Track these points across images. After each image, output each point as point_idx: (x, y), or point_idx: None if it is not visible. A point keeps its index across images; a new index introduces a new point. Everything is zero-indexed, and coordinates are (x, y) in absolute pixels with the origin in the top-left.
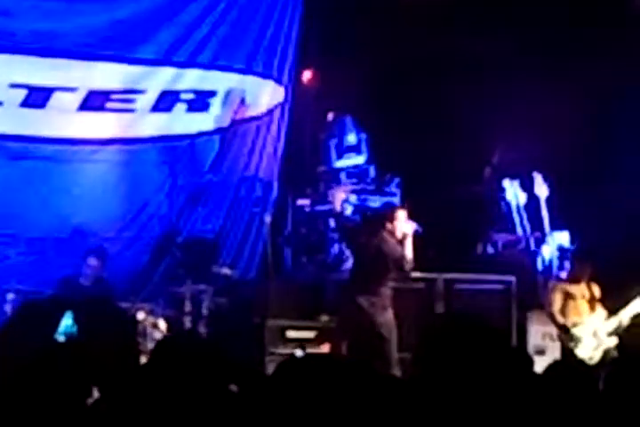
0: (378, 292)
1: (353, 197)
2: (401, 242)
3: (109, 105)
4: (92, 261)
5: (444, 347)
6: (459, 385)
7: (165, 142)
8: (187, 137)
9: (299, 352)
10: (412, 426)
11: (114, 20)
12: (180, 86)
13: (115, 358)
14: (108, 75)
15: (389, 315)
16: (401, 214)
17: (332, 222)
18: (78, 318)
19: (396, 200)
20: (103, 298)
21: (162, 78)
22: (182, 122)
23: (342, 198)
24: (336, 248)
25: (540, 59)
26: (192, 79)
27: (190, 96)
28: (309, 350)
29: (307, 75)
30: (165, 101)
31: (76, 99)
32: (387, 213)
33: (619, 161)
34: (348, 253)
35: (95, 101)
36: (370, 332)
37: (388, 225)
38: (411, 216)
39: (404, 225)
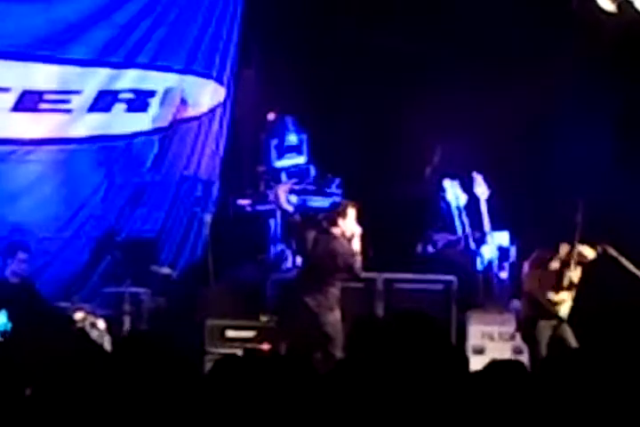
0: (326, 291)
1: (294, 198)
2: (349, 240)
3: (43, 106)
4: (23, 255)
5: (374, 339)
6: (390, 378)
7: (102, 143)
8: (124, 137)
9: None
10: (347, 421)
11: (49, 21)
12: (118, 86)
13: (45, 356)
14: (42, 75)
15: (336, 315)
16: (351, 212)
17: (272, 222)
18: (12, 316)
19: (338, 200)
20: (34, 296)
21: (98, 79)
22: (120, 122)
23: (286, 193)
24: (277, 248)
25: (482, 60)
26: (131, 79)
27: (129, 96)
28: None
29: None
30: (103, 101)
31: (9, 99)
32: (338, 210)
33: (559, 162)
34: (288, 252)
35: (29, 102)
36: (315, 331)
37: (340, 223)
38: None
39: (354, 223)
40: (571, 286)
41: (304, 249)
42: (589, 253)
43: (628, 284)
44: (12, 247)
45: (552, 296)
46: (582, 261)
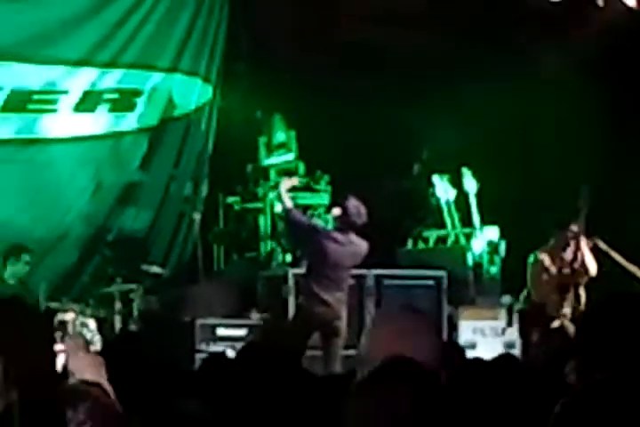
0: (343, 288)
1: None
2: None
3: (30, 105)
4: (27, 258)
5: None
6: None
7: (89, 142)
8: (111, 136)
9: (230, 352)
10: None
11: (36, 20)
12: (103, 86)
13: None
14: (29, 75)
15: (345, 312)
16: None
17: (261, 220)
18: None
19: (327, 197)
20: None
21: (85, 78)
22: (106, 122)
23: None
24: (267, 245)
25: (470, 55)
26: (116, 79)
27: (114, 96)
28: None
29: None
30: (89, 102)
31: None
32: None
33: (548, 157)
34: (278, 249)
35: (17, 102)
36: (329, 325)
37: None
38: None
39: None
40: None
41: (319, 247)
42: (592, 266)
43: (618, 277)
44: (15, 250)
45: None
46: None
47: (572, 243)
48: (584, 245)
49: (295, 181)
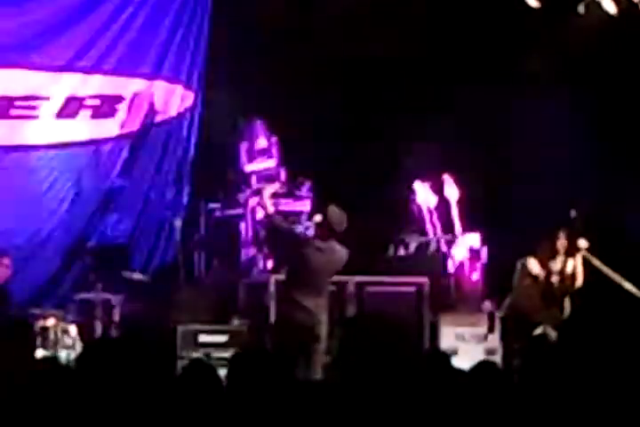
0: (323, 294)
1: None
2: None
3: (13, 112)
4: (6, 261)
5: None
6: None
7: (70, 149)
8: (92, 143)
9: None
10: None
11: (18, 25)
12: (85, 92)
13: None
14: (12, 81)
15: (326, 317)
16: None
17: (242, 226)
18: None
19: (308, 204)
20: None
21: (67, 84)
22: (87, 128)
23: (271, 193)
24: (248, 252)
25: (455, 61)
26: (98, 85)
27: (96, 102)
28: (219, 355)
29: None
30: (70, 108)
31: None
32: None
33: (529, 162)
34: (259, 256)
35: (0, 108)
36: (308, 332)
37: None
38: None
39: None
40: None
41: (300, 253)
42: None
43: (601, 286)
44: None
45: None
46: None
47: (564, 252)
48: (579, 256)
49: (276, 187)
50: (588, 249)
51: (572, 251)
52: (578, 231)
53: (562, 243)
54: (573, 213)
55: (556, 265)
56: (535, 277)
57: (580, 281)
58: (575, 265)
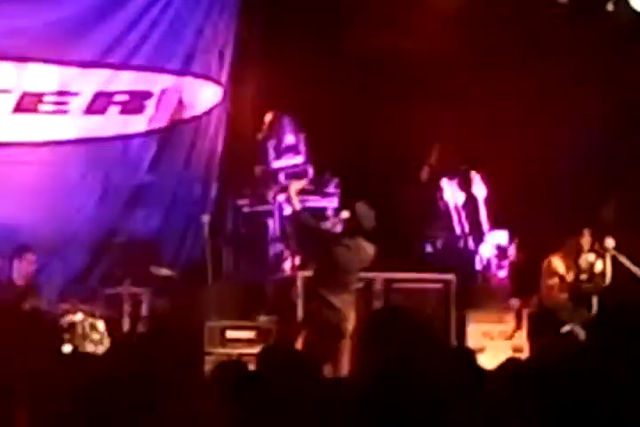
0: (350, 291)
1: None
2: None
3: (43, 107)
4: (30, 257)
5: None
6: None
7: (99, 144)
8: (121, 138)
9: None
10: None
11: (48, 22)
12: (114, 88)
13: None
14: (42, 77)
15: (354, 313)
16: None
17: (270, 222)
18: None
19: (336, 200)
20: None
21: (96, 80)
22: (116, 124)
23: (298, 189)
24: (276, 248)
25: (477, 57)
26: (127, 81)
27: (124, 98)
28: (247, 351)
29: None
30: (99, 103)
31: (10, 101)
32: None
33: (555, 160)
34: (287, 252)
35: (29, 104)
36: (336, 330)
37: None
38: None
39: None
40: None
41: (328, 249)
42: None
43: (626, 281)
44: (20, 249)
45: None
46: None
47: (588, 249)
48: (608, 255)
49: (304, 183)
50: (616, 248)
51: (600, 250)
52: (606, 230)
53: (586, 240)
54: (605, 211)
55: (583, 263)
56: (562, 277)
57: (608, 280)
58: (605, 264)
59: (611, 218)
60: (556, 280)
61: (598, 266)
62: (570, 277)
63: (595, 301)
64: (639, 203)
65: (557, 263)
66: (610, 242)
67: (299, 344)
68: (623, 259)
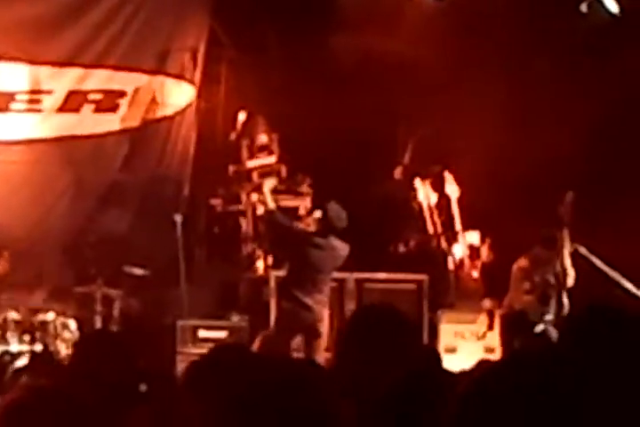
0: (323, 290)
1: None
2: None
3: (15, 106)
4: (5, 254)
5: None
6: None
7: (72, 143)
8: (94, 137)
9: None
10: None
11: (20, 20)
12: (87, 87)
13: None
14: (13, 75)
15: (327, 313)
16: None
17: (243, 222)
18: None
19: (308, 200)
20: None
21: (69, 79)
22: (89, 122)
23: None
24: (248, 247)
25: (456, 59)
26: (100, 79)
27: (98, 96)
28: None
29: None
30: (73, 102)
31: None
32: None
33: (530, 161)
34: (260, 251)
35: (1, 102)
36: (310, 328)
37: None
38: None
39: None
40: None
41: (301, 249)
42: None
43: (599, 283)
44: None
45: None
46: None
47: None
48: (566, 252)
49: (276, 182)
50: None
51: (564, 249)
52: (563, 223)
53: (554, 240)
54: (563, 210)
55: (550, 263)
56: (530, 277)
57: (571, 277)
58: (563, 260)
59: (568, 213)
60: (523, 282)
61: (560, 264)
62: (537, 278)
63: (565, 300)
64: (604, 198)
65: (525, 265)
66: (564, 234)
67: (256, 343)
68: (594, 258)
